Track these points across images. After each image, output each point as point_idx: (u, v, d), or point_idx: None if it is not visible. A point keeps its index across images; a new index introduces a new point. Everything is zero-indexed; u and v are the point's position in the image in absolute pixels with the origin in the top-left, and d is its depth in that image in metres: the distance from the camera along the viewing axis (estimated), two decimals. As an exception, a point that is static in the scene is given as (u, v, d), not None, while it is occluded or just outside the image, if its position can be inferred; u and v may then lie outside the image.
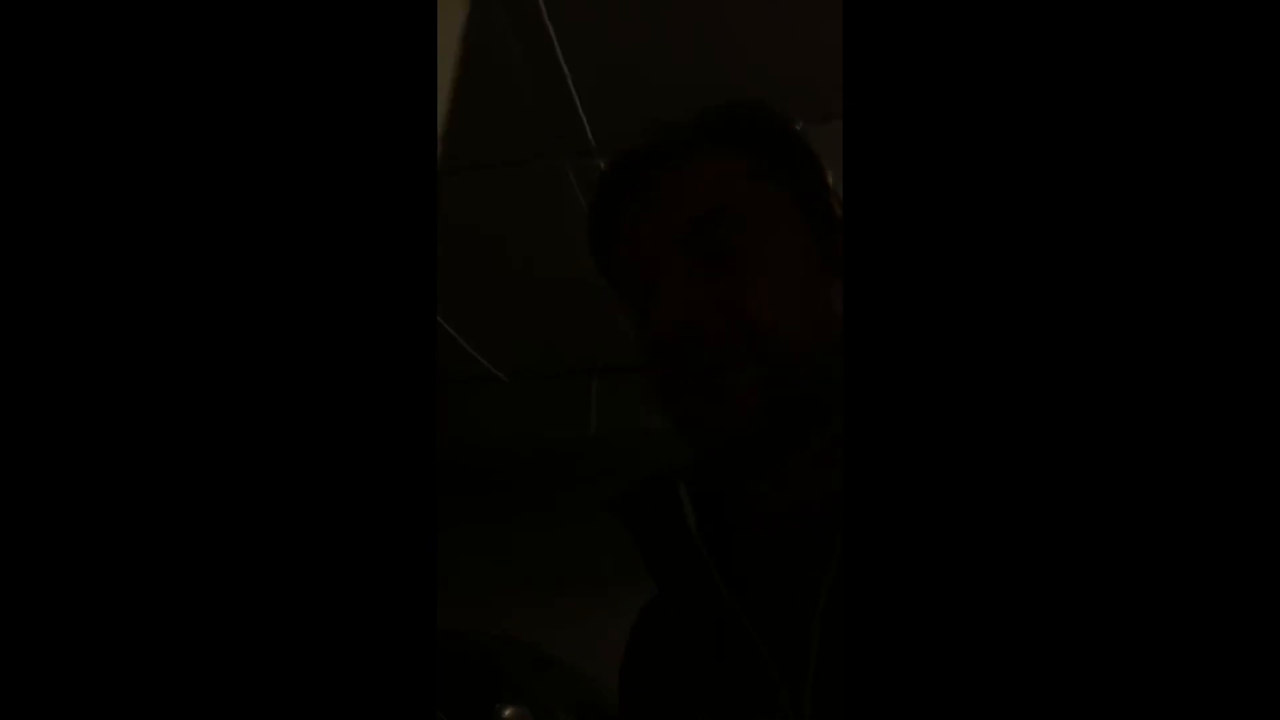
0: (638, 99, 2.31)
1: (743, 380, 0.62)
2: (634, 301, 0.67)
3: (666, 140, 0.69)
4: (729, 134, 0.68)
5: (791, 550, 0.62)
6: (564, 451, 4.06)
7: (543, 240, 3.05)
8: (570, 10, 2.16)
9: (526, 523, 4.33)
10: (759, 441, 0.63)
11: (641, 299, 0.66)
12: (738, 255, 0.63)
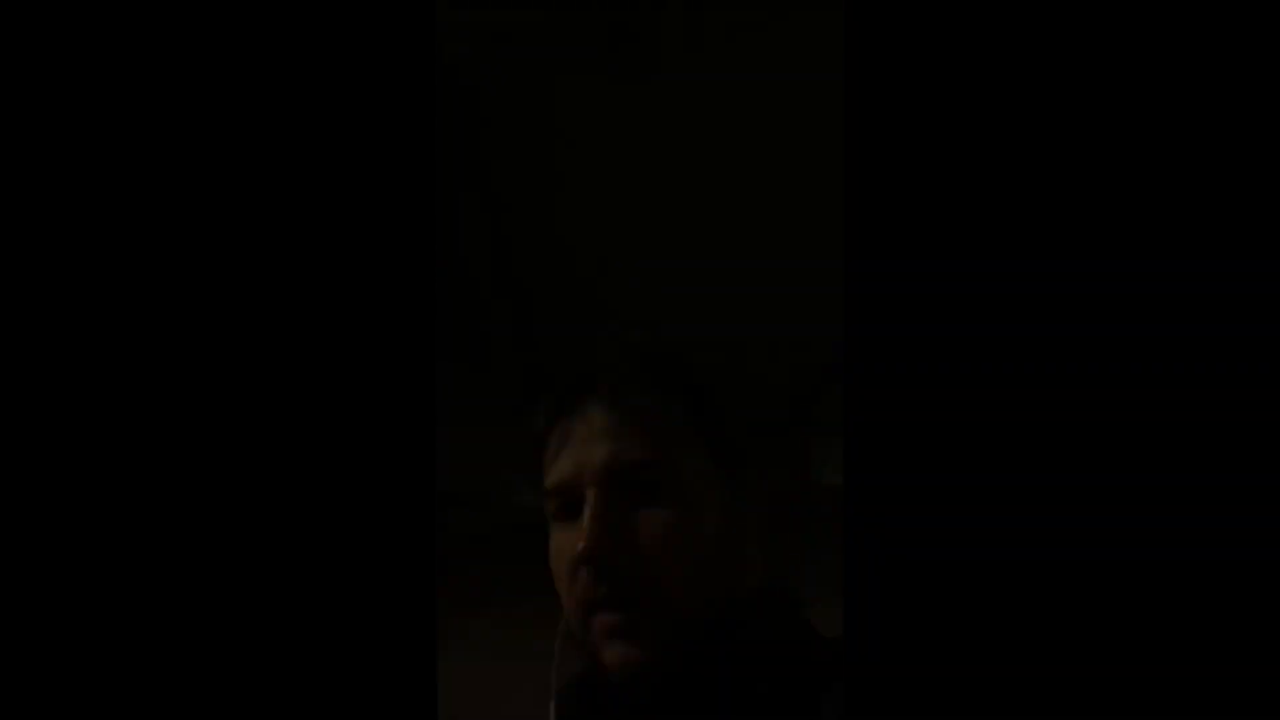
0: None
1: (646, 622, 0.70)
2: (563, 516, 0.76)
3: (613, 379, 0.78)
4: (664, 379, 0.79)
5: None
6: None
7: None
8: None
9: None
10: (645, 678, 0.71)
11: (570, 516, 0.75)
12: (660, 499, 0.73)
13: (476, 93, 2.04)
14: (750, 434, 0.80)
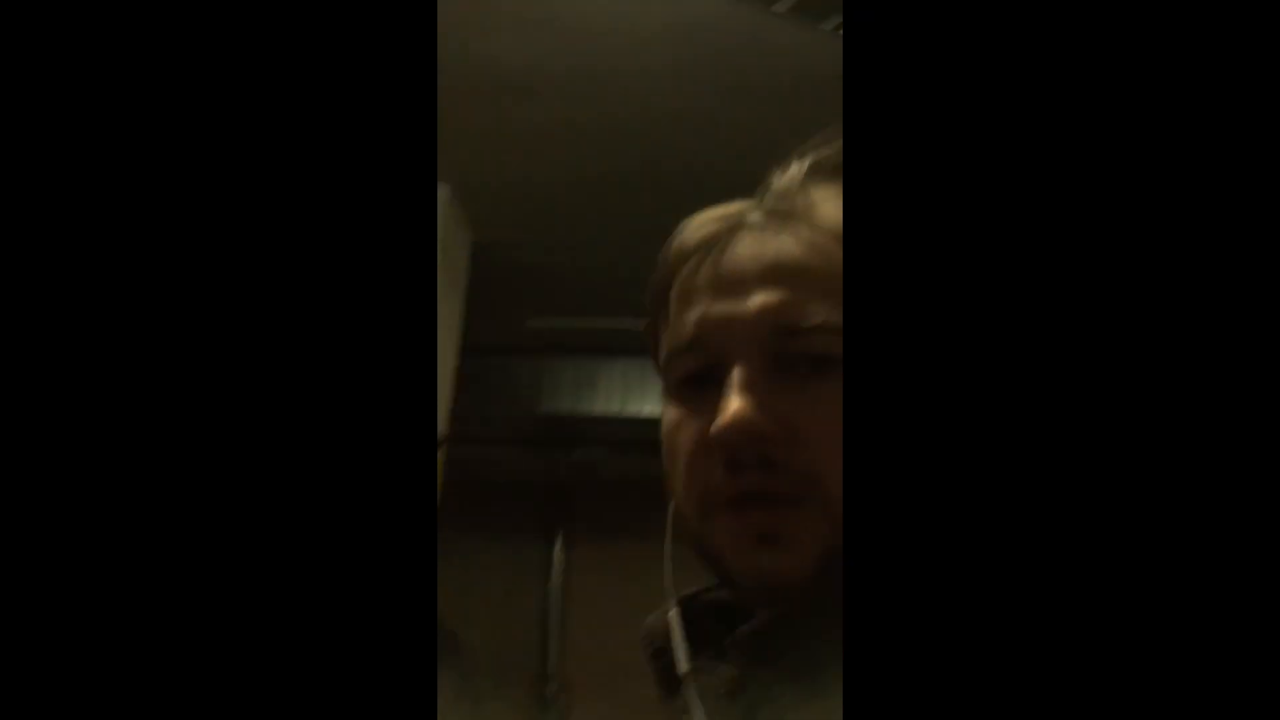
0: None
1: (806, 526, 0.51)
2: (691, 385, 0.56)
3: (783, 192, 0.56)
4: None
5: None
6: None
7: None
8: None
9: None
10: (804, 598, 0.52)
11: (704, 385, 0.55)
12: (835, 372, 0.50)
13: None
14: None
